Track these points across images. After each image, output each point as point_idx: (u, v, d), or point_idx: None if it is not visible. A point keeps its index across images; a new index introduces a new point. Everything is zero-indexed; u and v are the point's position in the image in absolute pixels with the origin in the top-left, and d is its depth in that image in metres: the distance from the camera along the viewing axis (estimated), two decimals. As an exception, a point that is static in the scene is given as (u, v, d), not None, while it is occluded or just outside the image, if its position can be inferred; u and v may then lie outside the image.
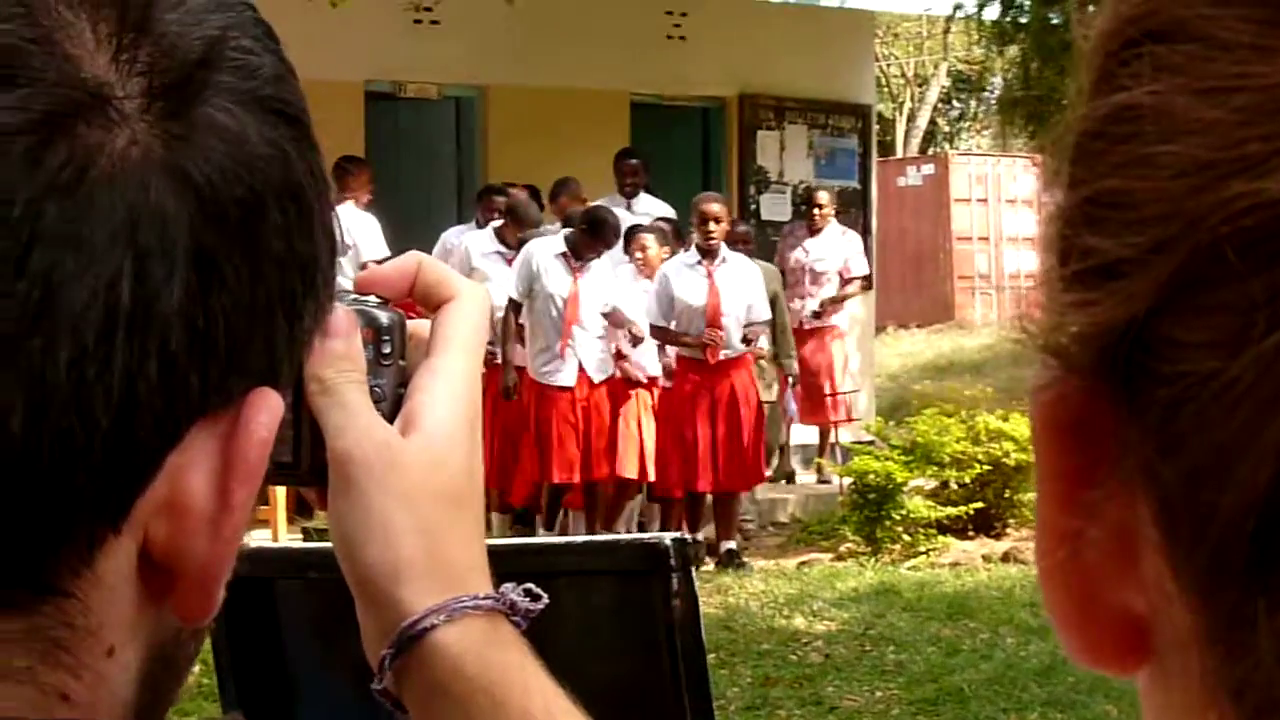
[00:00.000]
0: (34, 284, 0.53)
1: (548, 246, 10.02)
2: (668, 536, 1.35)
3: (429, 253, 0.93)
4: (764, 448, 10.62)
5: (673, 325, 10.08)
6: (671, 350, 10.23)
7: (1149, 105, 0.41)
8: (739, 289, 10.16)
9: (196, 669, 0.66)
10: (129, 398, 0.55)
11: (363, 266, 11.02)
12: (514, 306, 9.95)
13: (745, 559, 10.09)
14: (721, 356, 10.12)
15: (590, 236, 9.88)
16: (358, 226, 11.13)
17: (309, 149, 0.62)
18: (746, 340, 10.22)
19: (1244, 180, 0.38)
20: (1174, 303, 0.40)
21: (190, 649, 0.64)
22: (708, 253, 10.17)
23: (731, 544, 10.03)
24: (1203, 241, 0.39)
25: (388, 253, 11.01)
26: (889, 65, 32.05)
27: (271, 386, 0.60)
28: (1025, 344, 0.44)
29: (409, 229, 11.55)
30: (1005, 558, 9.85)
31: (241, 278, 0.58)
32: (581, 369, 9.98)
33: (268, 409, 0.60)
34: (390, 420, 0.85)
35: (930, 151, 30.51)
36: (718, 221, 10.17)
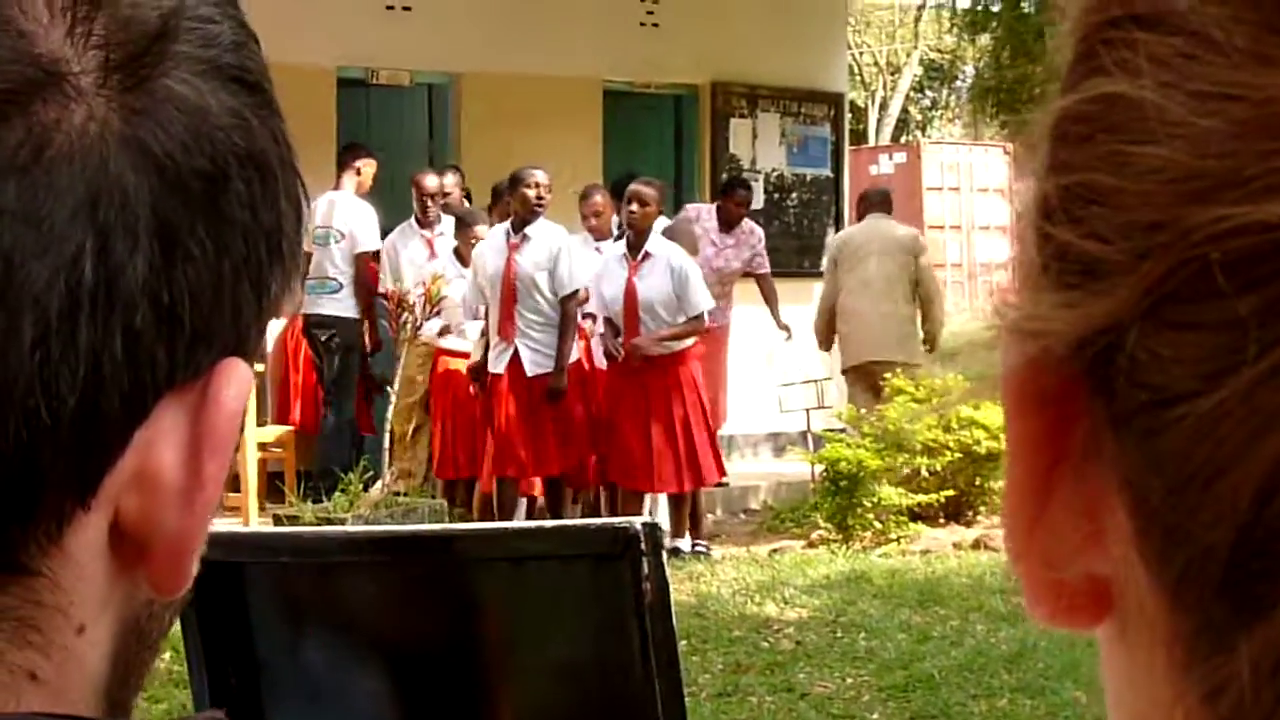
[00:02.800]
0: None
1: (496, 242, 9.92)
2: (638, 521, 1.35)
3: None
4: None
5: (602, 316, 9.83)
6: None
7: (1135, 100, 0.39)
8: (659, 284, 9.71)
9: (167, 656, 0.66)
10: (95, 375, 0.55)
11: (357, 256, 11.00)
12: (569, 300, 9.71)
13: (703, 549, 9.94)
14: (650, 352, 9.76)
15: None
16: (356, 216, 11.08)
17: (271, 116, 0.62)
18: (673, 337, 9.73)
19: (1236, 198, 0.37)
20: (1156, 314, 0.39)
21: (164, 621, 0.63)
22: (633, 247, 9.76)
23: (681, 542, 9.77)
24: (1188, 256, 0.38)
25: (380, 245, 11.01)
26: (861, 54, 32.07)
27: (240, 357, 0.60)
28: (1000, 329, 0.44)
29: (381, 216, 11.52)
30: (976, 545, 9.88)
31: (206, 250, 0.58)
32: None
33: (236, 380, 0.60)
34: None
35: (902, 140, 30.56)
36: (643, 204, 9.69)
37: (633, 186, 9.79)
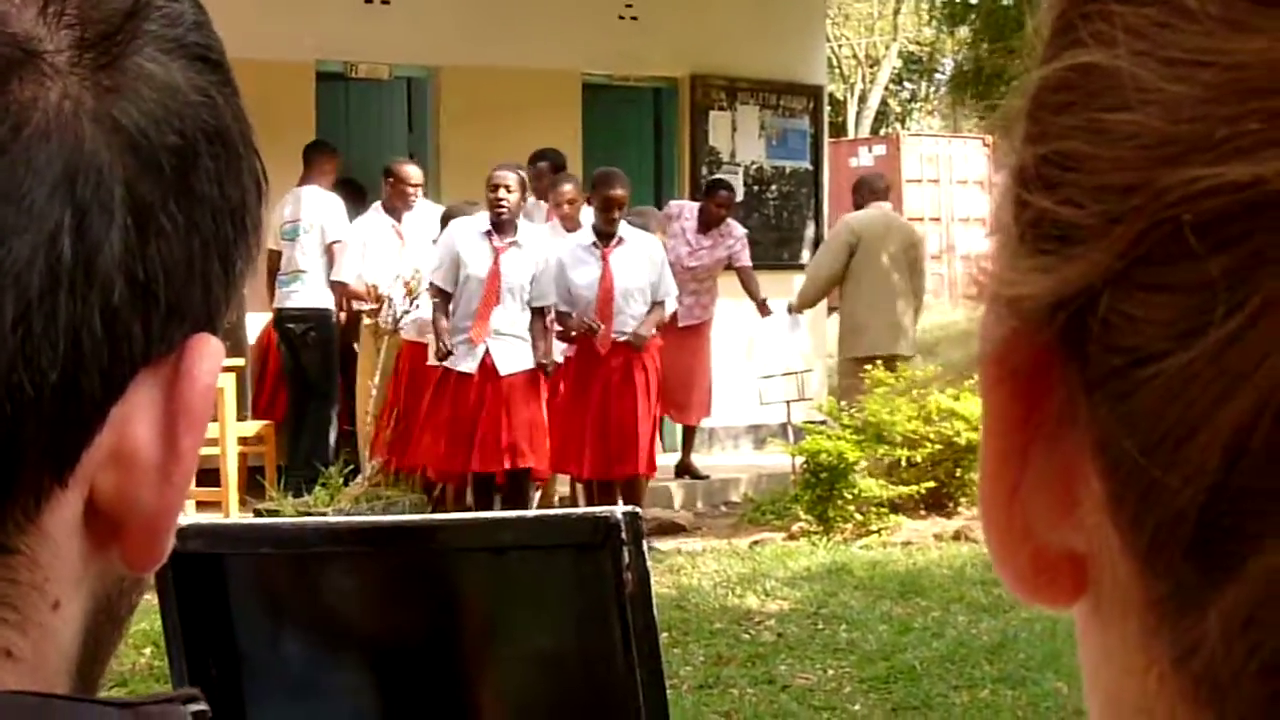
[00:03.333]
0: None
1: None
2: (619, 510, 1.35)
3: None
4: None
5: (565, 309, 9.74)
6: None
7: (1110, 69, 0.40)
8: (637, 269, 9.71)
9: (147, 651, 0.66)
10: (75, 351, 0.55)
11: (328, 247, 10.99)
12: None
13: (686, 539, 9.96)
14: (619, 340, 9.71)
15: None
16: (324, 207, 11.09)
17: (233, 94, 0.63)
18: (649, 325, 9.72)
19: (1208, 160, 0.38)
20: (1129, 276, 0.39)
21: (133, 598, 0.64)
22: (605, 235, 9.74)
23: None
24: (1161, 218, 0.39)
25: (351, 234, 11.00)
26: (840, 46, 32.10)
27: (210, 332, 0.61)
28: (978, 296, 0.44)
29: (360, 210, 11.50)
30: (957, 536, 9.91)
31: (178, 225, 0.58)
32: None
33: (209, 355, 0.60)
34: None
35: (881, 132, 30.59)
36: (620, 207, 9.70)
37: (612, 190, 9.70)
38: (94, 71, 0.57)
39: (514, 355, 9.70)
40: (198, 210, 0.59)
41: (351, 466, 10.19)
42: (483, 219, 9.80)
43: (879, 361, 11.02)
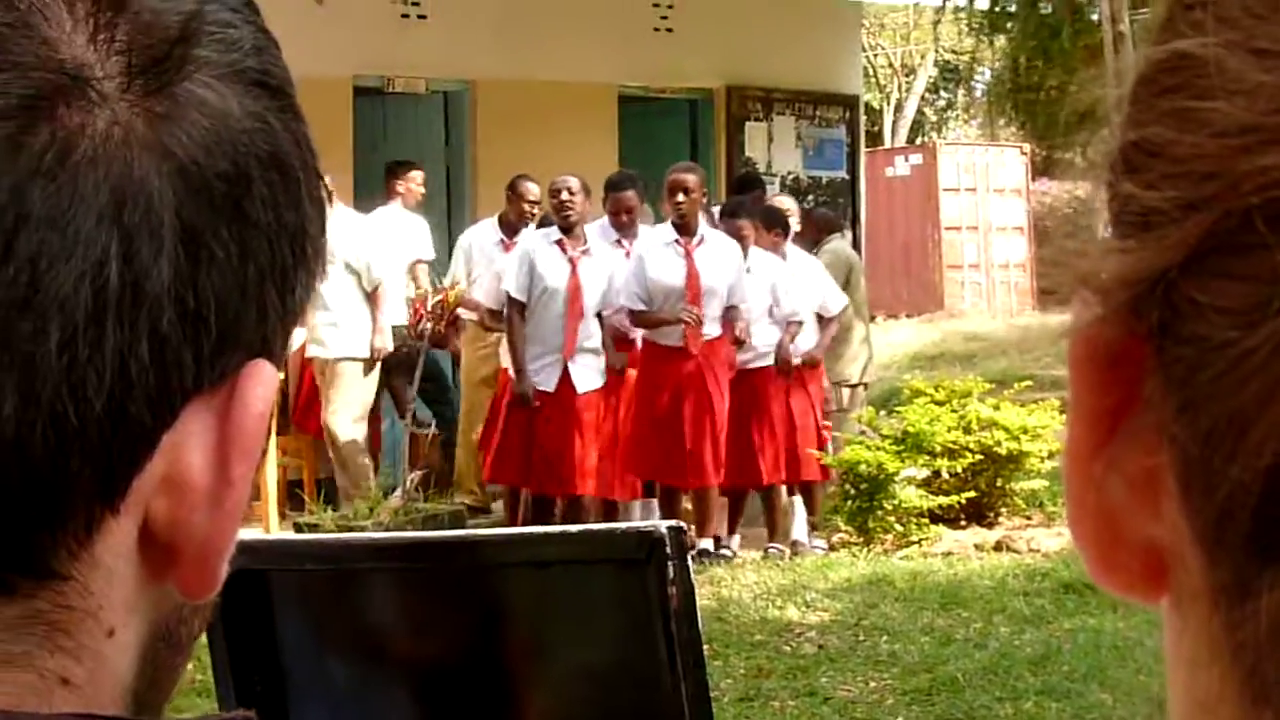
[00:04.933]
0: (21, 268, 0.53)
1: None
2: (664, 524, 1.35)
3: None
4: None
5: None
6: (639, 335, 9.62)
7: (1200, 57, 0.40)
8: (719, 268, 9.50)
9: (190, 666, 0.66)
10: (121, 379, 0.55)
11: (413, 266, 10.90)
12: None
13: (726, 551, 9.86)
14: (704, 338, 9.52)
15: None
16: (407, 228, 10.99)
17: (293, 119, 0.62)
18: (728, 324, 9.52)
19: None
20: (1202, 263, 0.40)
21: (194, 625, 0.63)
22: (683, 229, 9.48)
23: (707, 542, 9.64)
24: (1235, 207, 0.39)
25: (434, 255, 10.93)
26: (876, 56, 32.08)
27: (266, 359, 0.60)
28: (1065, 279, 0.44)
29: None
30: (998, 547, 9.86)
31: (230, 253, 0.58)
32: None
33: (263, 382, 0.59)
34: None
35: (918, 141, 30.55)
36: (688, 192, 9.41)
37: (675, 176, 9.52)
38: (144, 98, 0.56)
39: (590, 373, 9.60)
40: (251, 237, 0.59)
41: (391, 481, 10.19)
42: (547, 234, 9.70)
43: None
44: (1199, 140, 0.40)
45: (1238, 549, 0.39)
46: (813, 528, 10.19)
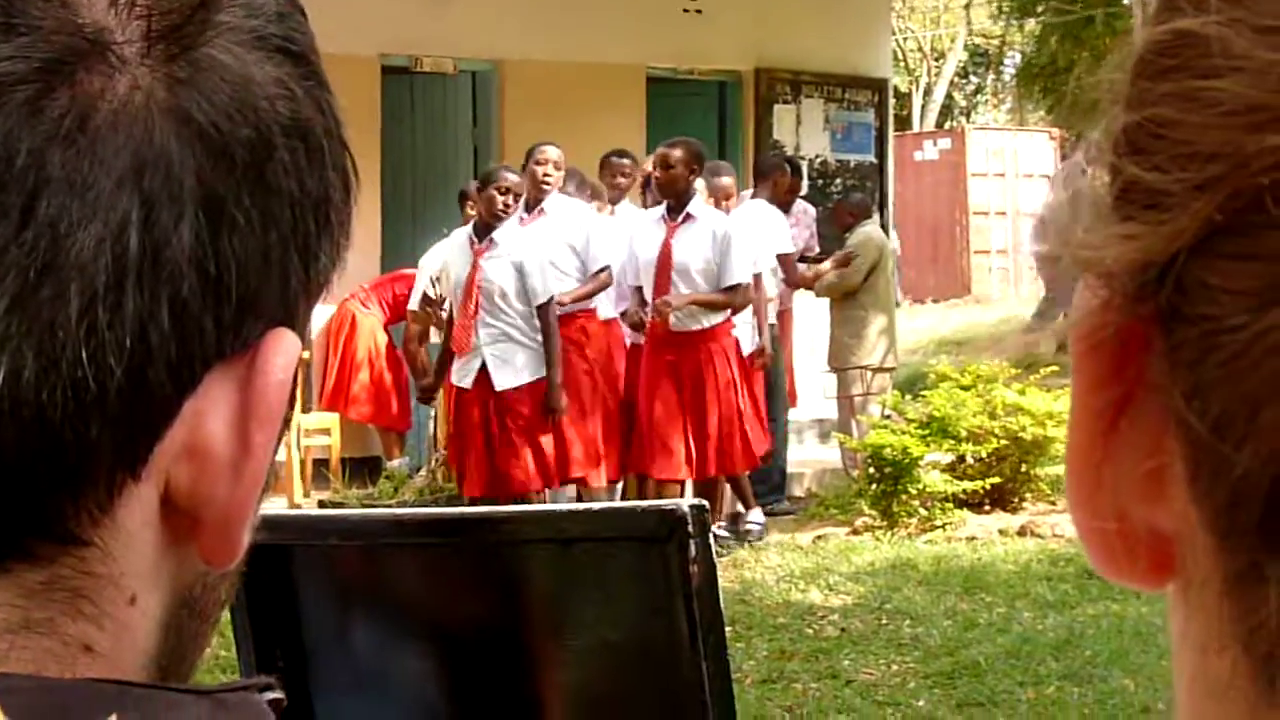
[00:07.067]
0: (40, 233, 0.53)
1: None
2: (686, 503, 1.35)
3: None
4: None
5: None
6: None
7: (1204, 36, 0.40)
8: (697, 249, 9.14)
9: (214, 641, 0.66)
10: (142, 345, 0.55)
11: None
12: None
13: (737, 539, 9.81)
14: (675, 327, 9.20)
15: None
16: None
17: (317, 86, 0.61)
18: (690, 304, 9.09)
19: None
20: (1211, 245, 0.39)
21: (218, 593, 0.63)
22: (673, 208, 9.22)
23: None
24: (1244, 187, 0.38)
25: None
26: (905, 39, 31.96)
27: (288, 327, 0.60)
28: (1068, 262, 0.43)
29: (426, 204, 11.54)
30: (1022, 531, 9.85)
31: (252, 219, 0.57)
32: None
33: (284, 350, 0.59)
34: None
35: (947, 125, 30.47)
36: (668, 167, 9.18)
37: (659, 149, 9.40)
38: (165, 63, 0.56)
39: (508, 369, 9.11)
40: (274, 203, 0.58)
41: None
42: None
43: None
44: (1205, 120, 0.39)
45: (1249, 535, 0.39)
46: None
